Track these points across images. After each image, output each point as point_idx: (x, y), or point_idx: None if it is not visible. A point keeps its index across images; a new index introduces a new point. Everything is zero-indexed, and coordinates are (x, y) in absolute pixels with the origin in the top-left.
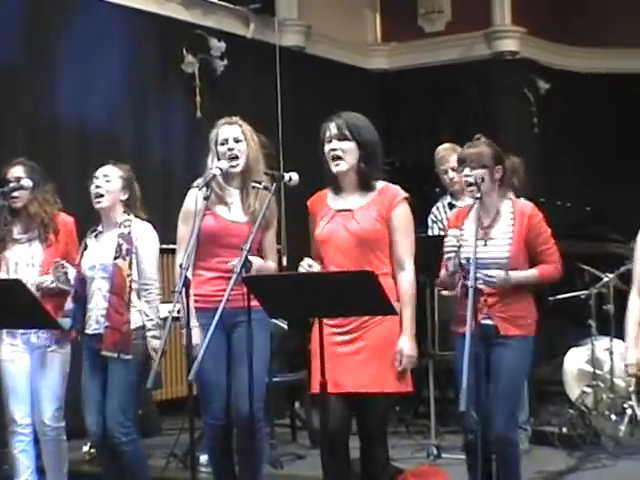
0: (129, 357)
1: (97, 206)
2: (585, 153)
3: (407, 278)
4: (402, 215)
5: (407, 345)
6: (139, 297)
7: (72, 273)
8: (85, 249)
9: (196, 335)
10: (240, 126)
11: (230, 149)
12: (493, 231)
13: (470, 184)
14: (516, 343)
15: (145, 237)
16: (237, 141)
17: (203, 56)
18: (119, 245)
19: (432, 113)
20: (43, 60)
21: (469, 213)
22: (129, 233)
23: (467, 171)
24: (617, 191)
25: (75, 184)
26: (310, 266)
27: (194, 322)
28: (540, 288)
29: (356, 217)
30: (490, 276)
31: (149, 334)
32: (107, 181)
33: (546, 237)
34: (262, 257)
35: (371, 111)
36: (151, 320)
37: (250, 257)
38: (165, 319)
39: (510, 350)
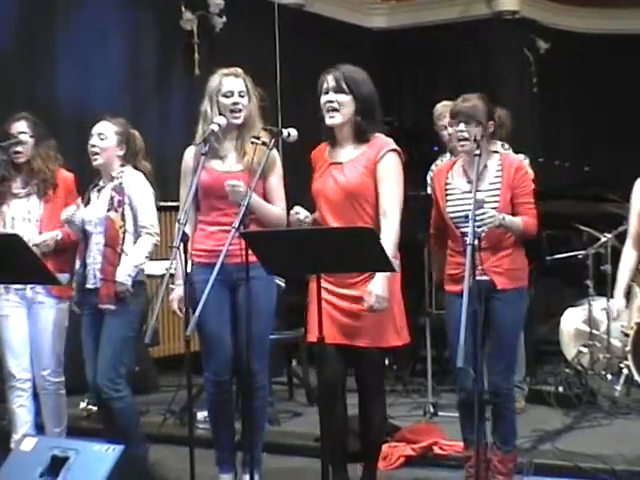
0: (128, 306)
1: (94, 164)
2: (584, 113)
3: (389, 224)
4: (388, 166)
5: (377, 285)
6: None
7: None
8: (87, 204)
9: (177, 293)
10: (244, 80)
11: (235, 103)
12: (481, 184)
13: (463, 139)
14: (512, 296)
15: (136, 184)
16: (241, 95)
17: (202, 13)
18: (111, 198)
19: (431, 72)
20: (42, 27)
21: (453, 167)
22: (120, 184)
23: (462, 126)
24: (615, 151)
25: (74, 139)
26: (297, 213)
27: (179, 281)
28: (535, 247)
29: (344, 170)
30: (484, 214)
31: (122, 272)
32: (102, 139)
33: (527, 191)
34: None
35: (370, 70)
36: (132, 260)
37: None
38: (162, 276)
39: (507, 304)
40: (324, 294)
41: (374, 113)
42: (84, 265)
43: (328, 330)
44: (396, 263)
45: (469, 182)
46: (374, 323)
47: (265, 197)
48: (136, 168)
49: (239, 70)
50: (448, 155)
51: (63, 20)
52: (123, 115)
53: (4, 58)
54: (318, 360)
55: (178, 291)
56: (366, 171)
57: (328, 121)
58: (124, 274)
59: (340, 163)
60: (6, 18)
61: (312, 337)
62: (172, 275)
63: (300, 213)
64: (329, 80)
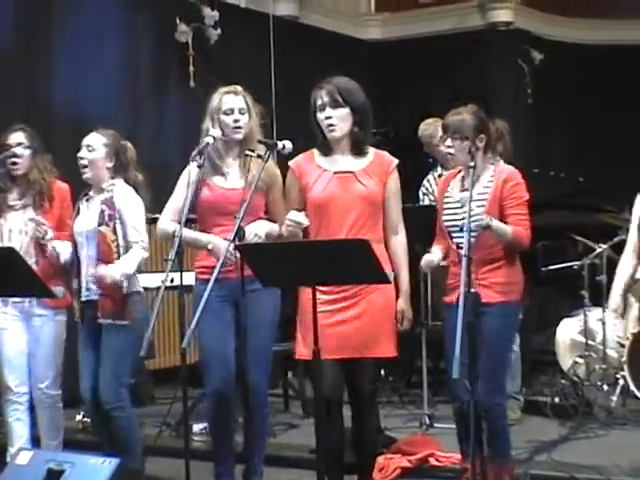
0: (125, 322)
1: (84, 177)
2: (579, 124)
3: (401, 241)
4: (396, 181)
5: (406, 306)
6: None
7: (66, 248)
8: (77, 214)
9: (219, 243)
10: (244, 97)
11: (236, 120)
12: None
13: (452, 154)
14: (498, 310)
15: (126, 199)
16: (242, 113)
17: (197, 25)
18: (102, 212)
19: (426, 84)
20: (40, 29)
21: (455, 177)
22: (111, 198)
23: (449, 142)
24: (610, 162)
25: (70, 141)
26: (298, 219)
27: (209, 237)
28: (530, 258)
29: (361, 180)
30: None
31: (111, 269)
32: (90, 150)
33: (518, 202)
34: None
35: (364, 81)
36: (123, 267)
37: (256, 226)
38: (157, 288)
39: (492, 318)
40: (319, 307)
41: (369, 122)
42: (78, 277)
43: (324, 344)
44: (390, 275)
45: (463, 190)
46: (369, 334)
47: (267, 211)
48: (127, 180)
49: (239, 88)
50: (439, 169)
51: (61, 22)
52: (118, 126)
53: (2, 59)
54: (314, 374)
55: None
56: (379, 182)
57: (329, 136)
58: (112, 274)
59: (351, 172)
60: (4, 20)
61: (303, 353)
62: (167, 288)
63: (299, 217)
64: (323, 96)
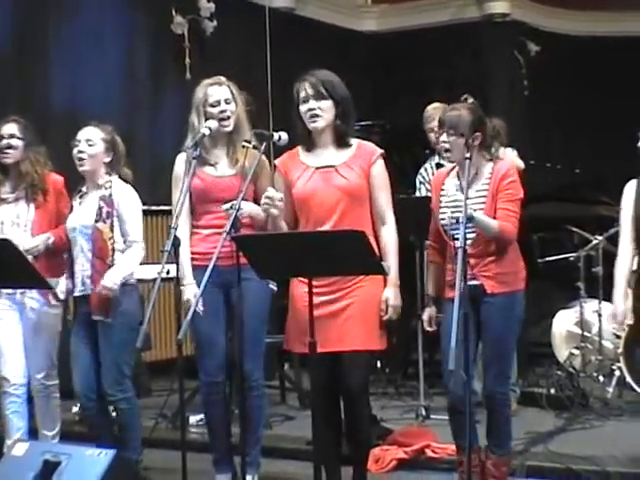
0: (117, 318)
1: (80, 170)
2: (575, 116)
3: (390, 230)
4: (380, 171)
5: (392, 295)
6: None
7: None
8: (71, 211)
9: (189, 292)
10: (228, 87)
11: (222, 111)
12: (470, 191)
13: (447, 150)
14: (503, 301)
15: (126, 198)
16: (228, 102)
17: (192, 17)
18: (99, 208)
19: (422, 75)
20: (36, 30)
21: (449, 174)
22: (110, 195)
23: (444, 137)
24: (606, 153)
25: (66, 141)
26: (271, 198)
27: (188, 279)
28: (526, 249)
29: (342, 172)
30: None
31: (110, 276)
32: (90, 145)
33: (510, 198)
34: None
35: (361, 73)
36: (121, 270)
37: (243, 203)
38: (154, 280)
39: (497, 309)
40: (305, 299)
41: (351, 115)
42: (72, 273)
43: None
44: (386, 266)
45: (459, 188)
46: (359, 327)
47: (256, 201)
48: (120, 176)
49: (222, 78)
50: (436, 158)
51: (57, 21)
52: (115, 118)
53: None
54: (311, 365)
55: (191, 290)
56: (362, 174)
57: (311, 126)
58: (112, 281)
59: (332, 166)
60: (1, 20)
61: (295, 346)
62: (163, 279)
63: (274, 196)
64: (307, 88)
